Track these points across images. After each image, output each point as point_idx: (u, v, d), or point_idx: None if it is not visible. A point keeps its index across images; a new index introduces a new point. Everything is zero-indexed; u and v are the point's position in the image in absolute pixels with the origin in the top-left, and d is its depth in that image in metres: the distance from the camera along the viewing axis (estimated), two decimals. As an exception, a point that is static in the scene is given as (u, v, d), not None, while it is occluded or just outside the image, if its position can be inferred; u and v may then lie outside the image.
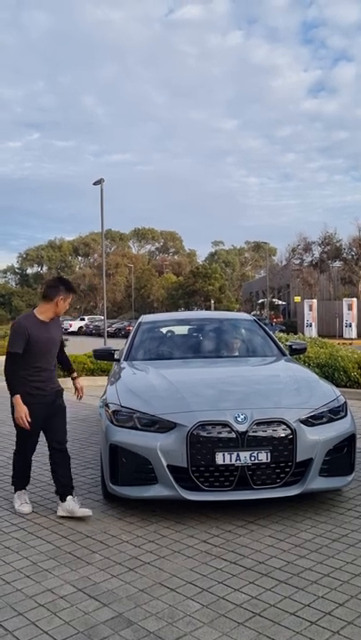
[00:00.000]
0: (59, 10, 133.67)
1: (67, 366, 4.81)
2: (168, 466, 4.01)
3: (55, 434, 4.34)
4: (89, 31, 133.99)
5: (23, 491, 4.51)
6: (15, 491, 4.52)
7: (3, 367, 4.22)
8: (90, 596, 3.08)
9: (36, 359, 4.22)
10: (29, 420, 4.14)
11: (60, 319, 4.68)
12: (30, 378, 4.22)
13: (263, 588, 3.13)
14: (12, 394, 4.17)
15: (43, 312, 4.31)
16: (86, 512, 4.23)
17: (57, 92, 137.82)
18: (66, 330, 45.78)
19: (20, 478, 4.50)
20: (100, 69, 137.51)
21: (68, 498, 4.28)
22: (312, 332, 31.80)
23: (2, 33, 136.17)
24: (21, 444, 4.38)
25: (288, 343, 6.50)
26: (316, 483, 4.16)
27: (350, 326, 32.32)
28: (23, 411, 4.11)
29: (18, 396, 4.14)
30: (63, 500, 4.29)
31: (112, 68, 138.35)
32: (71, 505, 4.25)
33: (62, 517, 4.24)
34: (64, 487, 4.31)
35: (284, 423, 4.06)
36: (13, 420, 4.23)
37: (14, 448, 4.48)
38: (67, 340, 22.22)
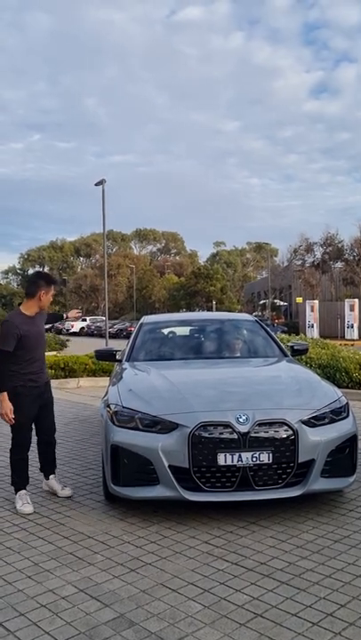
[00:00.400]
0: (60, 11, 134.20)
1: (56, 318, 5.36)
2: (170, 466, 4.01)
3: (45, 425, 4.69)
4: (90, 32, 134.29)
5: (24, 491, 4.52)
6: (16, 491, 4.53)
7: None
8: (91, 597, 3.08)
9: (28, 353, 4.44)
10: (14, 416, 4.36)
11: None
12: (23, 371, 4.42)
13: (265, 589, 3.12)
14: (0, 390, 4.33)
15: (28, 308, 4.52)
16: (67, 493, 4.69)
17: (58, 94, 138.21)
18: (67, 330, 45.81)
19: (20, 477, 4.54)
20: (102, 71, 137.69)
21: (51, 477, 4.79)
22: (314, 332, 31.78)
23: (3, 34, 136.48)
24: (16, 439, 4.50)
25: (290, 344, 6.49)
26: (318, 484, 4.15)
27: (352, 327, 32.31)
28: (8, 407, 4.32)
29: (5, 394, 4.33)
30: (47, 477, 4.81)
31: (113, 70, 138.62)
32: (55, 485, 4.75)
33: (64, 518, 4.24)
34: (48, 465, 4.79)
35: (286, 424, 4.06)
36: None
37: (10, 447, 4.59)
38: (68, 340, 22.01)
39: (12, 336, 4.30)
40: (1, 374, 4.33)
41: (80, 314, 5.43)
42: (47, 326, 4.99)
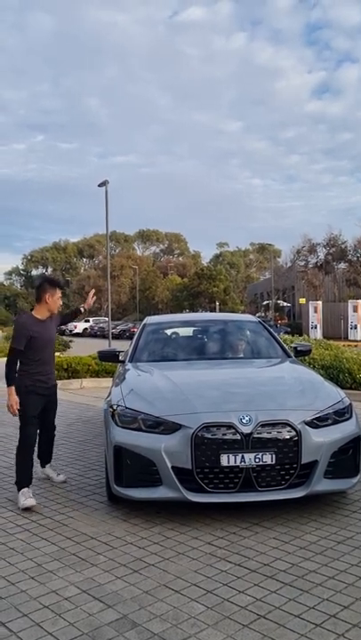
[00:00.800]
0: (62, 12, 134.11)
1: (76, 312, 5.59)
2: (173, 467, 4.01)
3: (46, 423, 4.94)
4: (93, 33, 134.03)
5: (26, 489, 4.55)
6: (19, 490, 4.55)
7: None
8: (94, 598, 3.08)
9: (37, 354, 4.66)
10: (19, 408, 4.53)
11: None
12: (33, 371, 4.65)
13: (268, 590, 3.12)
14: (8, 384, 4.54)
15: (39, 312, 4.76)
16: (62, 479, 5.12)
17: (60, 94, 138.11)
18: (71, 331, 45.85)
19: (24, 476, 4.57)
20: (104, 71, 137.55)
21: (47, 466, 5.17)
22: (317, 333, 31.75)
23: (5, 35, 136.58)
24: (23, 434, 4.61)
25: (293, 345, 6.49)
26: (322, 485, 4.15)
27: (355, 328, 32.23)
28: (15, 400, 4.51)
29: (12, 388, 4.53)
30: (43, 466, 5.18)
31: (115, 70, 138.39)
32: (50, 472, 5.17)
33: (67, 518, 4.25)
34: (45, 455, 5.14)
35: (289, 425, 4.05)
36: (12, 408, 4.56)
37: (16, 446, 4.67)
38: (71, 341, 22.07)
39: (22, 336, 4.56)
40: (10, 370, 4.55)
41: (95, 297, 5.51)
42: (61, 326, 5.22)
